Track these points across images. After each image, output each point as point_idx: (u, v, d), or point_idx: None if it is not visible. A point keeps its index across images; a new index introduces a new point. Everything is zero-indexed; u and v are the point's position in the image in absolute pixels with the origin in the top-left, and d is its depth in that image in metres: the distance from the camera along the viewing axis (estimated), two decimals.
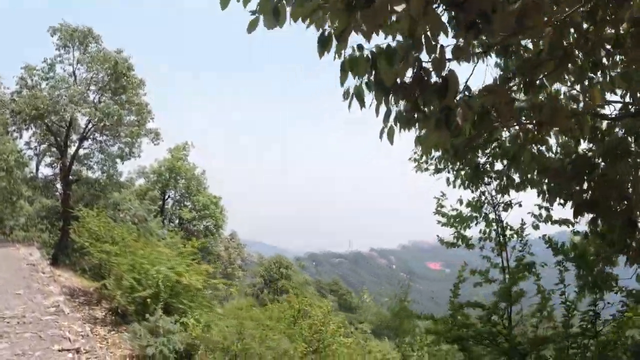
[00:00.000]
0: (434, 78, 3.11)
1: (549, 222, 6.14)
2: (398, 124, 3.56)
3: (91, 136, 24.17)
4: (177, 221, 30.52)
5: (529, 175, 5.03)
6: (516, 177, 5.94)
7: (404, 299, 8.48)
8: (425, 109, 3.41)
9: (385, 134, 3.47)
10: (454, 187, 6.41)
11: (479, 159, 5.94)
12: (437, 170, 6.44)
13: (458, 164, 6.07)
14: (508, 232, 6.62)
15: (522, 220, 6.35)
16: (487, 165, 5.97)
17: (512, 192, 6.35)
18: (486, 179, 6.23)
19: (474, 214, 6.81)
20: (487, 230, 6.65)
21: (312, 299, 13.16)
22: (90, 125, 23.49)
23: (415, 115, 3.63)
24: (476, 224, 6.81)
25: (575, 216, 4.92)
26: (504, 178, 6.00)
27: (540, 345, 5.36)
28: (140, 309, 10.40)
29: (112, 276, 11.62)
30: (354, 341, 12.68)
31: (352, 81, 3.36)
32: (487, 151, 5.87)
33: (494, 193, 6.41)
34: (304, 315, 11.54)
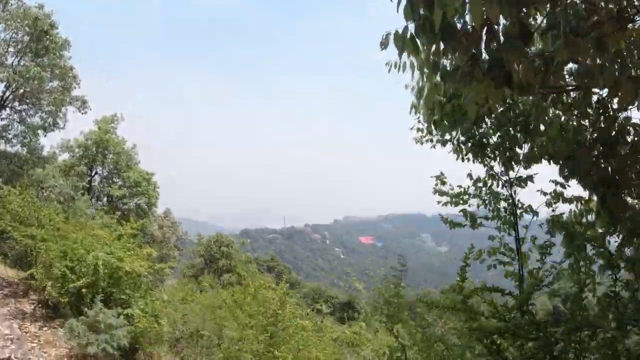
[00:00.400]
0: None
1: (559, 201, 5.79)
2: (444, 82, 2.92)
3: (9, 105, 21.47)
4: (105, 199, 28.37)
5: (549, 149, 4.58)
6: (522, 151, 5.51)
7: (399, 283, 7.89)
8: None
9: (420, 97, 2.80)
10: (462, 160, 5.88)
11: (485, 130, 5.43)
12: (443, 143, 5.88)
13: (460, 135, 5.54)
14: (518, 211, 6.18)
15: (542, 191, 5.82)
16: (496, 137, 5.48)
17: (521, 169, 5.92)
18: (492, 152, 5.74)
19: (481, 191, 6.33)
20: (495, 207, 6.21)
21: (266, 281, 12.39)
22: (8, 93, 20.83)
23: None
24: (484, 202, 6.36)
25: (594, 194, 4.58)
26: (507, 152, 5.55)
27: (575, 334, 4.94)
28: (75, 300, 9.24)
29: (40, 264, 10.27)
30: (310, 323, 12.20)
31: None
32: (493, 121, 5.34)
33: (502, 168, 5.95)
34: (260, 299, 10.81)
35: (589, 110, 4.12)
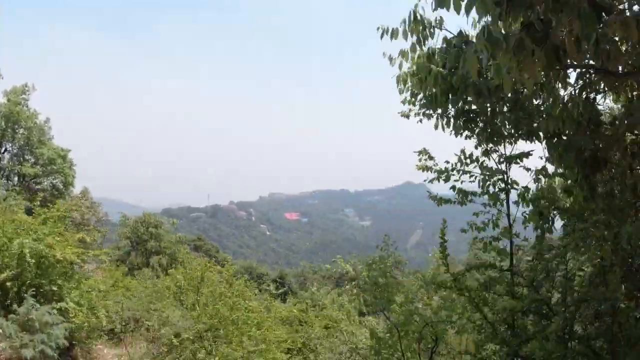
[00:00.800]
0: None
1: (546, 177, 5.77)
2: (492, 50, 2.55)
3: None
4: (16, 179, 25.63)
5: (550, 127, 4.43)
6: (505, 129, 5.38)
7: (387, 263, 7.55)
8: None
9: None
10: (456, 135, 5.60)
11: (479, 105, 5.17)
12: (427, 116, 5.58)
13: (449, 109, 5.27)
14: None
15: (525, 167, 5.80)
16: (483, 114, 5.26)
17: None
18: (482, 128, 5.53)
19: (466, 166, 6.16)
20: (486, 183, 6.06)
21: (212, 263, 11.64)
22: None
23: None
24: (476, 179, 6.18)
25: (591, 172, 4.54)
26: (489, 128, 5.39)
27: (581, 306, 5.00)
28: None
29: None
30: (259, 304, 11.73)
31: None
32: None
33: (490, 145, 5.78)
34: (207, 282, 10.15)
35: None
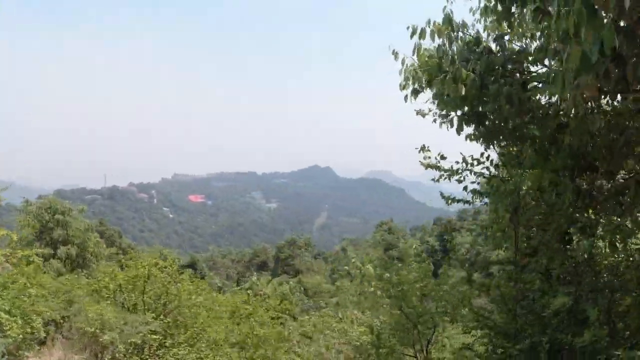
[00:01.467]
0: None
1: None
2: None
3: None
4: None
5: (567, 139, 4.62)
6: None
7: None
8: None
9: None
10: (470, 140, 5.64)
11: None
12: (444, 116, 5.47)
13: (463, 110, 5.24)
14: None
15: None
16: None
17: None
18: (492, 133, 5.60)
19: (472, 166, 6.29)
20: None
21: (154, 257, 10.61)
22: None
23: None
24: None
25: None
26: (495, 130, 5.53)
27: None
28: None
29: None
30: (204, 298, 11.00)
31: None
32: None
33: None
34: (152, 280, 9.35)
35: None
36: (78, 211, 27.00)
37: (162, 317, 9.05)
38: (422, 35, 4.51)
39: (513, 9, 4.08)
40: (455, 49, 4.69)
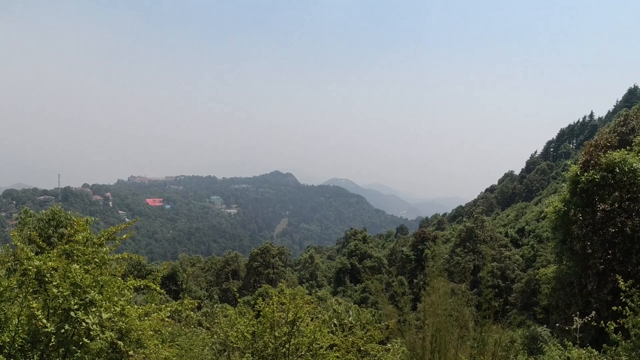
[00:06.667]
0: None
1: None
2: None
3: None
4: None
5: None
6: None
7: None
8: None
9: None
10: None
11: None
12: None
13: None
14: None
15: None
16: None
17: None
18: None
19: None
20: None
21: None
22: None
23: None
24: None
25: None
26: None
27: None
28: None
29: None
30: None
31: None
32: None
33: None
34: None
35: None
36: (84, 222, 26.52)
37: None
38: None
39: None
40: None
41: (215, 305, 33.21)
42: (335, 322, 9.84)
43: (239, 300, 9.40)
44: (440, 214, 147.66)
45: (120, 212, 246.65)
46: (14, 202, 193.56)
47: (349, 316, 9.89)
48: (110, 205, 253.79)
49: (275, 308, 7.46)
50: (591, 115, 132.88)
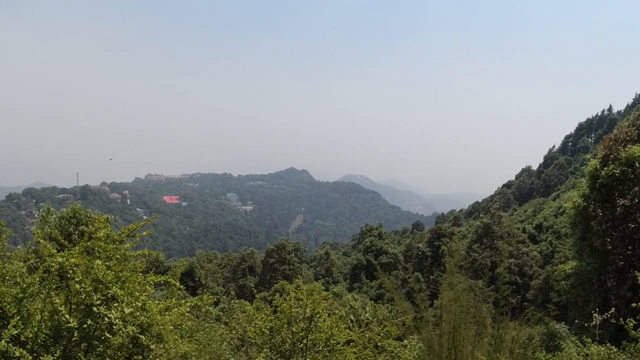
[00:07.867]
0: None
1: None
2: None
3: None
4: None
5: None
6: None
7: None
8: None
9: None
10: None
11: None
12: None
13: None
14: None
15: None
16: None
17: None
18: None
19: None
20: None
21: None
22: None
23: None
24: None
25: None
26: None
27: None
28: None
29: None
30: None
31: None
32: None
33: None
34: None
35: None
36: (104, 220, 26.96)
37: None
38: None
39: None
40: None
41: (232, 301, 33.59)
42: (352, 318, 9.96)
43: (256, 295, 9.60)
44: (456, 210, 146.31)
45: (137, 209, 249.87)
46: (34, 200, 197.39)
47: (366, 312, 10.01)
48: (128, 202, 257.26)
49: (292, 304, 7.58)
50: (610, 109, 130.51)
